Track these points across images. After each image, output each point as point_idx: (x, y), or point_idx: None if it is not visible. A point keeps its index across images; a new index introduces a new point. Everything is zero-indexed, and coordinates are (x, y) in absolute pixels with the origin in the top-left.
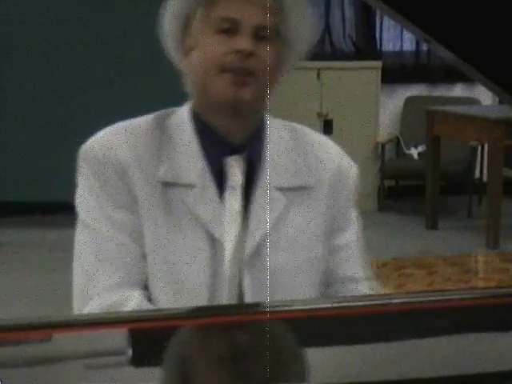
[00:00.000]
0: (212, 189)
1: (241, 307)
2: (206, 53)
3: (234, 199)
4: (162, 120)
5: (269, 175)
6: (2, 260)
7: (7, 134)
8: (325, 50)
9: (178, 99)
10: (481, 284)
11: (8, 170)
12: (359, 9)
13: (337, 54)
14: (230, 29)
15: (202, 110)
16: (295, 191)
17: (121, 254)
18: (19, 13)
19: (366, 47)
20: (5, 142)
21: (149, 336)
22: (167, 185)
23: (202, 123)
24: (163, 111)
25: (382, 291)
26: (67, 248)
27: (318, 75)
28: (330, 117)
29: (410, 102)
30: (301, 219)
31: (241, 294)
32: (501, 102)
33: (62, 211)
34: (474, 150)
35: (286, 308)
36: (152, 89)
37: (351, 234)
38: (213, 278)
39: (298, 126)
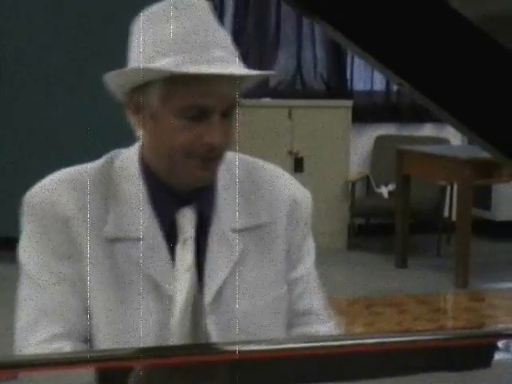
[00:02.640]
0: (161, 242)
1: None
2: (172, 138)
3: (185, 252)
4: (109, 167)
5: (222, 219)
6: None
7: None
8: (296, 89)
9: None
10: (449, 323)
11: None
12: (330, 49)
13: (308, 93)
14: (197, 116)
15: (156, 167)
16: (251, 231)
17: (60, 306)
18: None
19: (336, 86)
20: None
21: (114, 375)
22: (113, 240)
23: (151, 173)
24: (110, 155)
25: (335, 322)
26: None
27: (290, 114)
28: (300, 155)
29: (380, 141)
30: (260, 259)
31: (205, 338)
32: (470, 143)
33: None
34: (444, 189)
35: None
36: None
37: (306, 266)
38: (161, 333)
39: (250, 159)
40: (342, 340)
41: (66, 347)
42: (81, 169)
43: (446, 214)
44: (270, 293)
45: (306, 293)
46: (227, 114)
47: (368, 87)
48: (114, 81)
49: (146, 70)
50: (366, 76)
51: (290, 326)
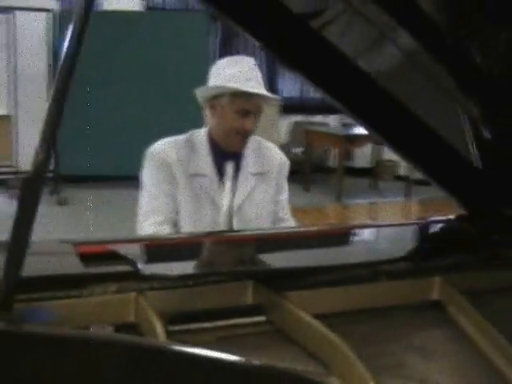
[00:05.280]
0: (216, 178)
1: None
2: (229, 122)
3: (228, 183)
4: (192, 137)
5: (245, 167)
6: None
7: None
8: None
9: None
10: (332, 222)
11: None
12: (268, 72)
13: None
14: (244, 114)
15: (217, 139)
16: (259, 175)
17: (164, 207)
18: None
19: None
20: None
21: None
22: (193, 175)
23: (214, 143)
24: (193, 131)
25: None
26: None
27: None
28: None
29: (295, 123)
30: (264, 189)
31: (231, 228)
32: (341, 126)
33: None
34: (329, 150)
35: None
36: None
37: (284, 195)
38: (214, 221)
39: (258, 138)
40: (296, 229)
41: (165, 228)
42: (177, 137)
43: (333, 163)
44: (267, 207)
45: (282, 209)
46: (257, 116)
47: (290, 94)
48: (203, 93)
49: (223, 87)
50: (290, 88)
51: (274, 225)
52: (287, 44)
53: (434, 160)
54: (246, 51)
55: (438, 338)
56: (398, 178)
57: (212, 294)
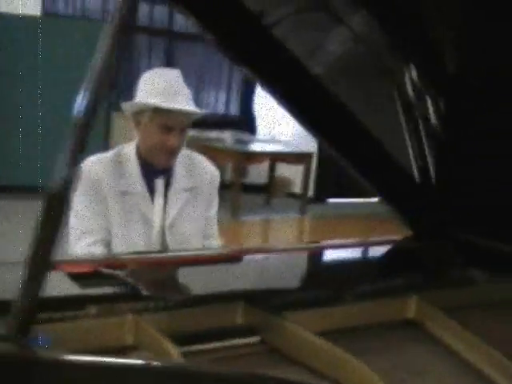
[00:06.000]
0: (147, 195)
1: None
2: (153, 138)
3: (159, 200)
4: (119, 153)
5: (176, 183)
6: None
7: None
8: None
9: None
10: (229, 239)
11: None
12: None
13: None
14: (166, 130)
15: (145, 154)
16: (191, 190)
17: (94, 227)
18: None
19: None
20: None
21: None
22: (123, 192)
23: (143, 158)
24: (119, 147)
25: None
26: None
27: None
28: None
29: (191, 139)
30: (195, 205)
31: (165, 246)
32: (236, 142)
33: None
34: (224, 166)
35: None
36: None
37: (214, 210)
38: (147, 239)
39: (188, 152)
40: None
41: (98, 248)
42: (105, 153)
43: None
44: (199, 223)
45: (210, 226)
46: (182, 131)
47: None
48: (127, 108)
49: (143, 104)
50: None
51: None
52: (237, 39)
53: (382, 179)
54: (145, 61)
55: (422, 354)
56: (293, 195)
57: (204, 315)
